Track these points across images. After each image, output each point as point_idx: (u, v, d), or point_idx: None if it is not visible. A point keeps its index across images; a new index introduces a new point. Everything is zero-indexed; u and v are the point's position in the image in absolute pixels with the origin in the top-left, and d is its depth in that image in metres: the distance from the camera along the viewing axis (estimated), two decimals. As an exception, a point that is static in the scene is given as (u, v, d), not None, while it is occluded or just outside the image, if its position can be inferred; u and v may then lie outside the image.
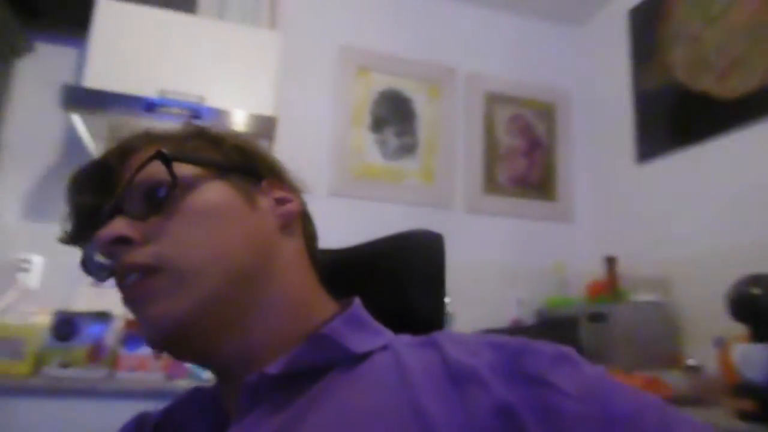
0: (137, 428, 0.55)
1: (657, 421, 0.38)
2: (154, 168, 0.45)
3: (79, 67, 1.90)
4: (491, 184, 2.42)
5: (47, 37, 2.02)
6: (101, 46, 1.72)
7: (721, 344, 1.54)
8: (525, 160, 2.50)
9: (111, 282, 0.47)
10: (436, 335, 0.46)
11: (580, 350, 1.96)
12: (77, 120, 1.63)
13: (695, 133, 1.96)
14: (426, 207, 2.30)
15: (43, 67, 2.00)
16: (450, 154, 2.39)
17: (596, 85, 2.57)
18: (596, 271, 2.15)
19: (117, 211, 0.45)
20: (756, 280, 1.32)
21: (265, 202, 0.49)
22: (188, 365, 1.52)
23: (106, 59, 1.71)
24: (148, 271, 0.43)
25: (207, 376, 1.49)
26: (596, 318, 1.94)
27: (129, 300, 0.44)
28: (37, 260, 1.84)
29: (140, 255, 0.43)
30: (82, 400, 1.39)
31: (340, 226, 2.18)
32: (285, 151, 2.09)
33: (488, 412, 0.38)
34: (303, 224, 0.53)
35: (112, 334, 1.57)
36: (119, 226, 0.44)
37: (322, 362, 0.44)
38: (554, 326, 2.16)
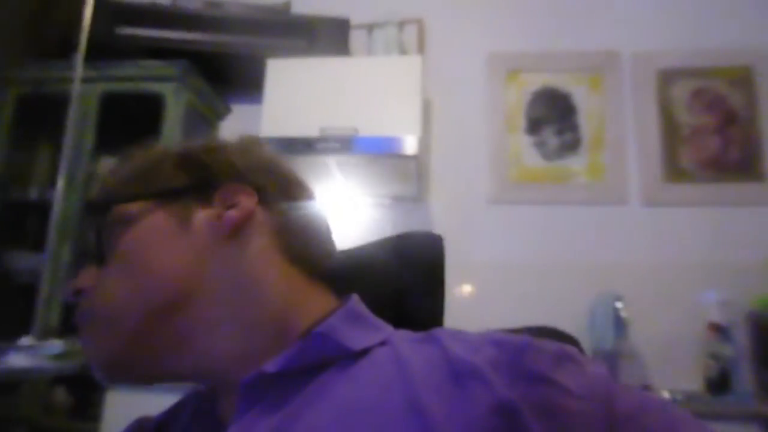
0: None
1: (660, 419, 0.37)
2: (98, 218, 0.49)
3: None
4: (674, 171, 2.15)
5: (240, 98, 2.43)
6: (272, 99, 2.01)
7: None
8: (717, 138, 2.17)
9: None
10: (437, 331, 0.46)
11: None
12: (258, 165, 1.94)
13: None
14: (596, 206, 2.15)
15: (239, 124, 2.40)
16: (620, 146, 2.20)
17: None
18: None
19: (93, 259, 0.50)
20: None
21: (204, 216, 0.48)
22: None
23: (276, 109, 1.99)
24: (85, 320, 0.48)
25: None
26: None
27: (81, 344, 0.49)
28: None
29: (82, 305, 0.48)
30: None
31: (503, 234, 2.19)
32: (443, 166, 2.22)
33: (489, 410, 0.37)
34: (275, 221, 0.50)
35: None
36: (81, 278, 0.49)
37: (319, 360, 0.44)
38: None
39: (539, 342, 0.42)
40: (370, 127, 1.88)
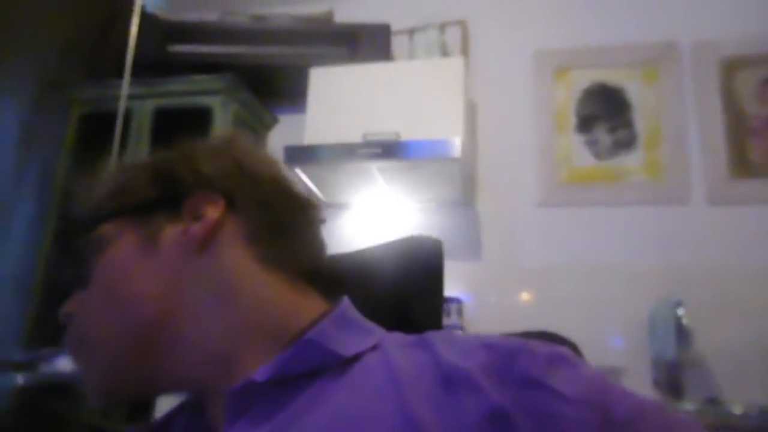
0: None
1: (658, 423, 0.37)
2: (76, 241, 0.50)
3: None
4: (741, 166, 2.00)
5: (287, 108, 2.46)
6: (315, 107, 2.03)
7: None
8: (789, 130, 2.00)
9: None
10: (428, 335, 0.45)
11: None
12: (301, 174, 1.96)
13: None
14: (654, 205, 2.03)
15: (286, 134, 2.43)
16: (679, 141, 2.07)
17: None
18: None
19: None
20: None
21: (171, 233, 0.48)
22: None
23: (319, 117, 2.01)
24: (74, 344, 0.49)
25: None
26: None
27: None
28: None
29: (70, 330, 0.49)
30: None
31: (554, 238, 2.11)
32: (490, 170, 2.16)
33: (482, 417, 0.36)
34: (247, 228, 0.49)
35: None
36: (70, 302, 0.50)
37: (309, 367, 0.43)
38: None
39: (532, 345, 0.40)
40: (413, 131, 1.86)
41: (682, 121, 2.08)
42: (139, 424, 0.60)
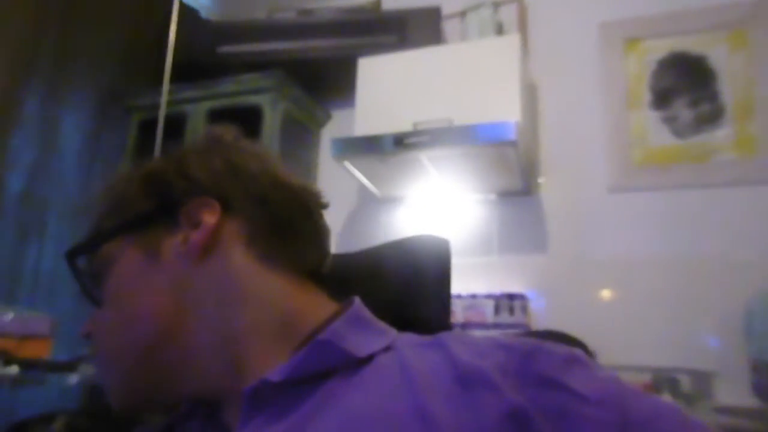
0: None
1: (675, 426, 0.36)
2: (85, 262, 0.51)
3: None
4: None
5: (339, 103, 2.40)
6: (365, 98, 1.95)
7: None
8: None
9: None
10: (443, 336, 0.44)
11: None
12: (351, 168, 1.88)
13: None
14: (747, 186, 1.78)
15: (338, 129, 2.38)
16: (776, 111, 1.80)
17: None
18: None
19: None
20: None
21: (171, 244, 0.48)
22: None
23: (369, 108, 1.93)
24: (95, 362, 0.51)
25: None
26: None
27: None
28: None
29: (92, 348, 0.50)
30: None
31: (629, 227, 1.90)
32: (554, 155, 1.99)
33: (499, 416, 0.35)
34: (246, 229, 0.48)
35: None
36: (88, 322, 0.51)
37: (324, 367, 0.43)
38: None
39: (548, 345, 0.40)
40: (466, 116, 1.74)
41: (779, 88, 1.82)
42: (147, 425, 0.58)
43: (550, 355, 0.39)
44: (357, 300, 0.49)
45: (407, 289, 0.58)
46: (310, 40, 2.18)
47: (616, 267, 1.84)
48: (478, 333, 1.51)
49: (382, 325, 0.48)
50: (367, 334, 0.46)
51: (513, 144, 1.61)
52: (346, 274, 0.55)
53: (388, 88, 1.94)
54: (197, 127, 2.19)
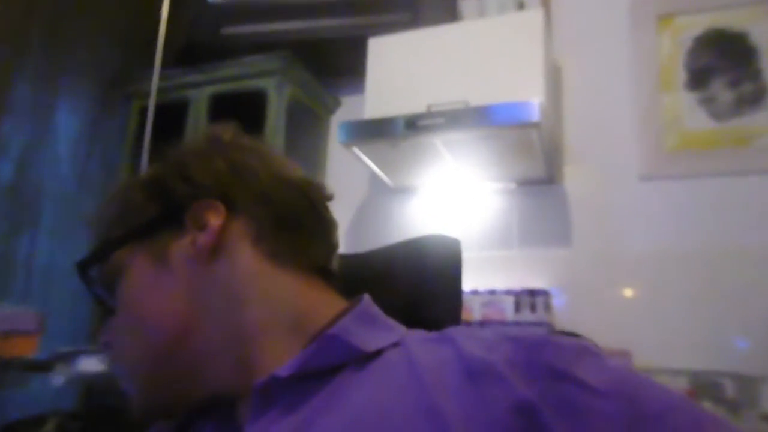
0: None
1: (689, 419, 0.35)
2: (96, 273, 0.51)
3: (367, 106, 2.07)
4: None
5: (349, 89, 2.28)
6: (375, 79, 1.82)
7: None
8: None
9: None
10: (450, 330, 0.44)
11: None
12: (360, 154, 1.76)
13: None
14: (794, 172, 1.62)
15: (349, 116, 2.25)
16: (827, 91, 1.64)
17: None
18: None
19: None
20: None
21: (179, 247, 0.48)
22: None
23: (380, 91, 1.80)
24: (115, 371, 0.50)
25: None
26: None
27: None
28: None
29: (111, 358, 0.51)
30: None
31: (662, 217, 1.75)
32: (580, 141, 1.85)
33: (508, 409, 0.35)
34: (252, 227, 0.48)
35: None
36: (105, 331, 0.51)
37: (332, 362, 0.43)
38: None
39: (557, 338, 0.39)
40: (483, 98, 1.60)
41: (830, 65, 1.65)
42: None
43: (559, 347, 0.38)
44: (366, 297, 0.49)
45: (418, 290, 0.57)
46: (318, 19, 2.06)
47: (646, 262, 1.70)
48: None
49: (390, 321, 0.48)
50: (376, 329, 0.46)
51: (536, 126, 1.47)
52: (357, 275, 0.54)
53: (400, 69, 1.81)
54: (200, 113, 2.08)
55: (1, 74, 1.75)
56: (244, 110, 2.11)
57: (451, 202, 1.98)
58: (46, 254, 1.83)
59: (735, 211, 1.64)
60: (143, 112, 2.21)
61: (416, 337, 0.45)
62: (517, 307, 1.70)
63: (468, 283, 1.74)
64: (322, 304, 0.48)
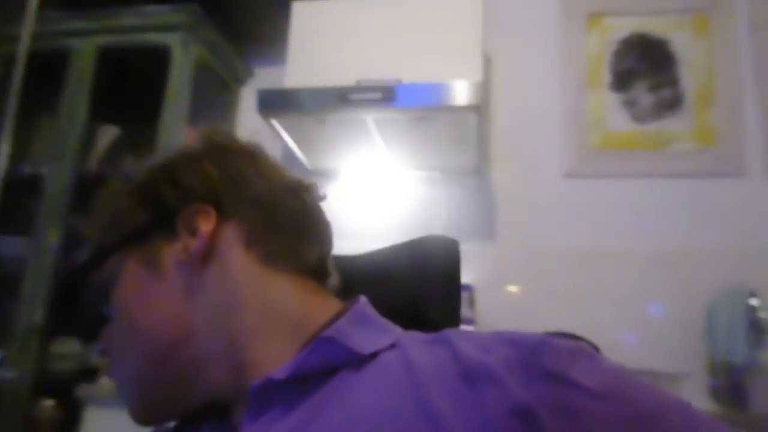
0: None
1: (683, 420, 0.35)
2: (89, 282, 0.51)
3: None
4: (809, 134, 1.67)
5: (264, 59, 2.07)
6: (298, 48, 1.65)
7: None
8: None
9: None
10: (447, 332, 0.43)
11: None
12: (278, 127, 1.57)
13: None
14: (704, 178, 1.69)
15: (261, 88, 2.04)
16: (735, 104, 1.73)
17: None
18: None
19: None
20: None
21: (170, 253, 0.47)
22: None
23: (303, 59, 1.63)
24: (112, 377, 0.53)
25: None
26: None
27: None
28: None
29: (108, 365, 0.55)
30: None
31: (584, 215, 1.75)
32: (507, 134, 1.80)
33: (505, 412, 0.35)
34: (243, 231, 0.48)
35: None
36: (102, 339, 0.51)
37: (328, 365, 0.43)
38: None
39: (553, 339, 0.39)
40: (418, 75, 1.48)
41: (738, 80, 1.75)
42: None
43: (555, 349, 0.38)
44: (362, 298, 0.49)
45: (417, 291, 0.57)
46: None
47: (568, 258, 1.69)
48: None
49: (386, 323, 0.48)
50: (372, 331, 0.46)
51: (476, 108, 1.39)
52: (354, 276, 0.54)
53: (327, 37, 1.65)
54: (84, 66, 1.77)
55: None
56: (140, 68, 1.84)
57: (372, 188, 1.85)
58: None
59: (652, 212, 1.68)
60: (11, 60, 1.84)
61: (412, 338, 0.45)
62: (441, 302, 1.60)
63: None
64: (317, 305, 0.48)
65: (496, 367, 0.37)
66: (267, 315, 0.46)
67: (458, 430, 0.35)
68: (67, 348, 1.67)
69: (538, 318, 1.60)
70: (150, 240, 0.48)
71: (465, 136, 1.54)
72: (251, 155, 0.52)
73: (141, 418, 0.49)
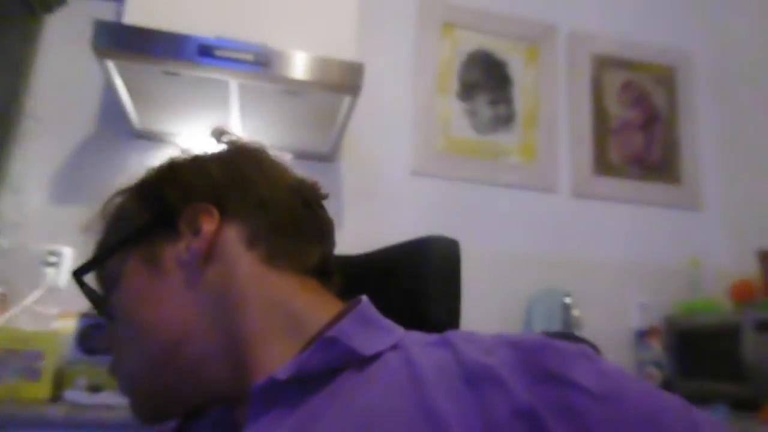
0: None
1: (682, 420, 0.36)
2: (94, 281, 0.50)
3: (119, 15, 1.57)
4: (603, 164, 2.00)
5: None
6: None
7: None
8: (641, 135, 2.07)
9: None
10: (449, 334, 0.44)
11: (745, 367, 1.45)
12: (114, 72, 1.29)
13: None
14: (527, 190, 1.90)
15: (77, 21, 1.67)
16: (553, 128, 1.98)
17: (726, 46, 2.13)
18: (734, 268, 1.74)
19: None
20: None
21: (172, 253, 0.47)
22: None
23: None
24: (115, 377, 0.49)
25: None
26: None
27: None
28: (67, 252, 1.51)
29: (111, 364, 0.50)
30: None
31: (426, 210, 1.82)
32: (361, 126, 1.76)
33: (508, 415, 0.35)
34: (246, 231, 0.47)
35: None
36: (105, 339, 0.51)
37: (331, 365, 0.42)
38: (694, 338, 1.72)
39: (555, 342, 0.39)
40: (285, 44, 1.36)
41: (555, 108, 2.00)
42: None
43: (557, 351, 0.38)
44: (364, 299, 0.48)
45: (418, 291, 0.58)
46: None
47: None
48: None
49: (389, 323, 0.47)
50: (374, 332, 0.45)
51: (355, 90, 1.33)
52: (356, 276, 0.53)
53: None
54: None
55: None
56: None
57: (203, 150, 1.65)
58: None
59: (484, 216, 1.82)
60: None
61: (415, 339, 0.45)
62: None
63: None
64: (320, 305, 0.47)
65: (498, 369, 0.37)
66: (269, 315, 0.45)
67: (458, 431, 0.35)
68: None
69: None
70: (152, 239, 0.48)
71: (332, 119, 1.47)
72: (254, 155, 0.52)
73: (143, 417, 0.49)
